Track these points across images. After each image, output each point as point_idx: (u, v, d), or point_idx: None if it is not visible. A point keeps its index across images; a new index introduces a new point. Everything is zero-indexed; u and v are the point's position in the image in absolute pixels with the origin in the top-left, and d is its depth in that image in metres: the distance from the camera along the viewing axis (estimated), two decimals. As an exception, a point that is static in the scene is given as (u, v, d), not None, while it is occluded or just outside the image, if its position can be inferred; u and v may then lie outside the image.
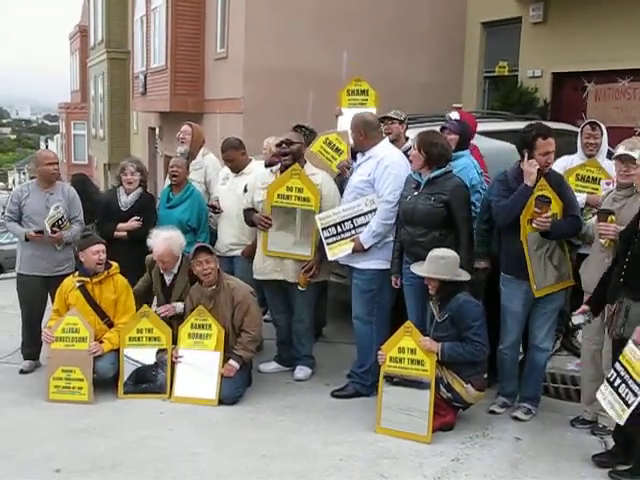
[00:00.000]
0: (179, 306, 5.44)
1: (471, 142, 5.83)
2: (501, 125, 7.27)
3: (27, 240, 5.65)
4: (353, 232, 5.13)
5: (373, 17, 12.01)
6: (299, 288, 5.39)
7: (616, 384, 3.91)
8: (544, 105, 10.55)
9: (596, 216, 4.56)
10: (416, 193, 4.86)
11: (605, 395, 3.98)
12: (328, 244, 5.20)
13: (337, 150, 5.92)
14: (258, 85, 11.59)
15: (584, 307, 4.34)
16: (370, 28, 11.97)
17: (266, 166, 5.92)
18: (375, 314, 5.17)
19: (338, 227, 5.17)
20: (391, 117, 5.73)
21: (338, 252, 5.19)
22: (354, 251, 5.11)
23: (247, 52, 11.73)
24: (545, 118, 9.34)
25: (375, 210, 5.06)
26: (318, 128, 6.16)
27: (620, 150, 4.52)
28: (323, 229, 5.19)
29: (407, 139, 5.81)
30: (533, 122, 5.01)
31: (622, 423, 3.87)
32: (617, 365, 3.93)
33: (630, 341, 3.86)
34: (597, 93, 10.14)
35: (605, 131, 5.50)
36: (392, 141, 5.57)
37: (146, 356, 5.28)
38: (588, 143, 5.44)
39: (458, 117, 5.82)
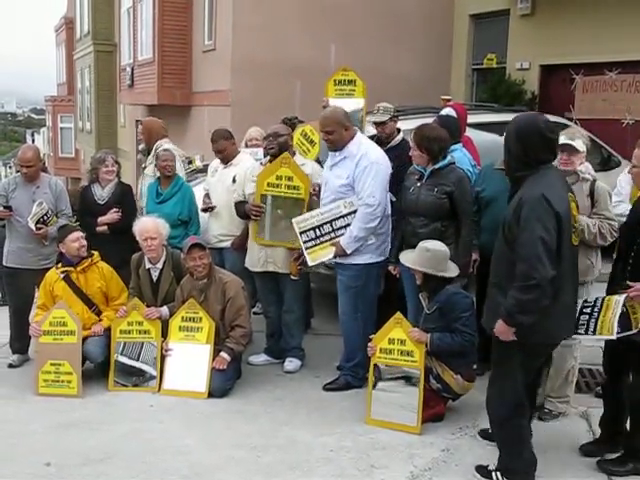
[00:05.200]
0: (165, 312, 5.40)
1: (465, 134, 5.80)
2: (489, 117, 7.29)
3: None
4: (332, 235, 5.03)
5: (360, 9, 12.01)
6: (292, 277, 5.37)
7: (585, 310, 3.92)
8: (532, 97, 10.60)
9: None
10: (419, 184, 4.83)
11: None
12: (307, 248, 5.09)
13: (311, 142, 5.87)
14: (246, 77, 11.58)
15: None
16: (358, 21, 11.97)
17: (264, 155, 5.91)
18: (360, 309, 5.12)
19: (317, 230, 5.07)
20: (383, 121, 5.60)
21: (318, 257, 5.10)
22: (336, 256, 5.04)
23: (235, 44, 11.71)
24: (533, 110, 9.39)
25: (355, 212, 4.94)
26: (306, 121, 6.14)
27: (562, 140, 4.34)
28: (301, 233, 5.09)
29: (399, 131, 5.75)
30: None
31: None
32: (599, 299, 3.92)
33: (623, 294, 3.78)
34: (585, 85, 10.19)
35: None
36: (387, 137, 5.58)
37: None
38: None
39: (453, 113, 5.70)
